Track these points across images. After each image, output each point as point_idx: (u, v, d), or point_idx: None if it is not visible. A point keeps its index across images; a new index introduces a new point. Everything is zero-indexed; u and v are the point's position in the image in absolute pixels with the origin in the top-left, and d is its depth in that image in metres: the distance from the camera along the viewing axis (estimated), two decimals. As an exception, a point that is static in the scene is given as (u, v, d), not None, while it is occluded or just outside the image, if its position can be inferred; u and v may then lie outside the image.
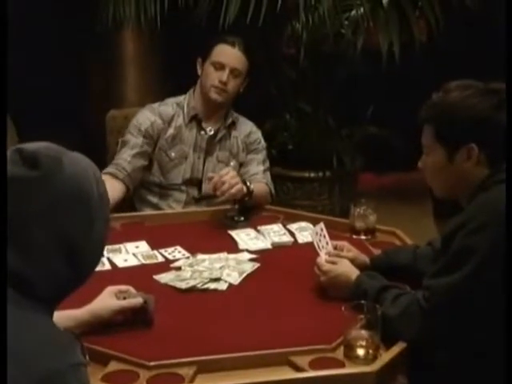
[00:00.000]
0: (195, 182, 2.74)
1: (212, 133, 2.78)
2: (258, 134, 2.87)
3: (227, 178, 2.44)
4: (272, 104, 3.89)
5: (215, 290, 1.97)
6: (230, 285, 2.00)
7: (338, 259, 1.95)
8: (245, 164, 2.81)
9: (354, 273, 1.89)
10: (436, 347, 1.67)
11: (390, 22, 3.54)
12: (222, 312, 1.88)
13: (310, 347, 1.67)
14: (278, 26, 3.94)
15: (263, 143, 2.87)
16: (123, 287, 1.82)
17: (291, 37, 3.96)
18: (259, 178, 2.73)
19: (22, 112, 3.66)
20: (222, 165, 2.77)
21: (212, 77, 2.70)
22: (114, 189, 2.59)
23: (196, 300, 1.94)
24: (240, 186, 2.48)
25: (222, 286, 1.99)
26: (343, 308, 1.68)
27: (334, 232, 2.27)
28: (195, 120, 2.78)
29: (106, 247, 2.23)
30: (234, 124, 2.83)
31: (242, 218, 2.50)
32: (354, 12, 3.67)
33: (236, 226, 2.45)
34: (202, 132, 2.78)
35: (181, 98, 2.83)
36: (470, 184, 1.73)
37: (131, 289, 1.82)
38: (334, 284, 1.90)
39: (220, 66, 2.69)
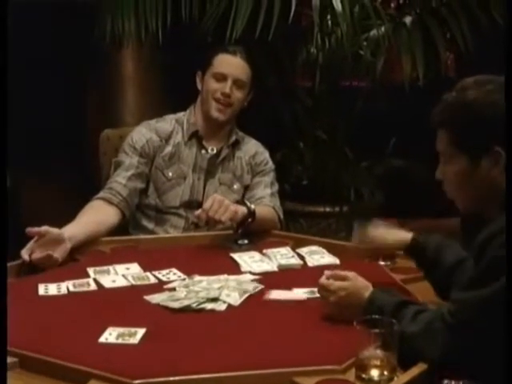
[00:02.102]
0: (195, 205, 2.71)
1: (214, 152, 2.77)
2: (264, 155, 2.86)
3: (215, 204, 2.41)
4: (284, 132, 3.89)
5: (212, 311, 1.92)
6: (230, 306, 1.95)
7: (348, 273, 1.88)
8: (250, 187, 2.79)
9: (367, 289, 1.83)
10: (460, 368, 1.60)
11: (413, 41, 3.55)
12: (218, 331, 1.82)
13: (317, 367, 1.61)
14: (291, 51, 3.98)
15: (271, 164, 2.85)
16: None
17: (306, 61, 3.99)
18: (266, 202, 2.71)
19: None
20: (225, 187, 2.76)
21: (213, 89, 2.70)
22: (108, 215, 2.58)
23: (190, 320, 1.89)
24: (234, 207, 2.45)
25: (221, 307, 1.94)
26: (355, 323, 1.62)
27: (349, 259, 2.24)
28: (195, 137, 2.78)
29: (93, 268, 2.22)
30: (237, 143, 2.82)
31: (246, 241, 2.47)
32: (373, 32, 3.70)
33: (239, 249, 2.42)
34: (203, 151, 2.77)
35: (180, 115, 2.83)
36: (500, 192, 1.68)
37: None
38: (345, 304, 1.83)
39: (222, 77, 2.69)
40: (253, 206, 2.53)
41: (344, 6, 3.29)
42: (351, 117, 3.88)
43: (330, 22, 3.84)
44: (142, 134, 2.75)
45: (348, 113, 3.90)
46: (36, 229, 2.22)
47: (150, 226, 2.75)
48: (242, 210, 2.49)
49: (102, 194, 2.64)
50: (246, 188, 2.79)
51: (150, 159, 2.73)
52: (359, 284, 1.85)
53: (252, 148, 2.85)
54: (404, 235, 2.09)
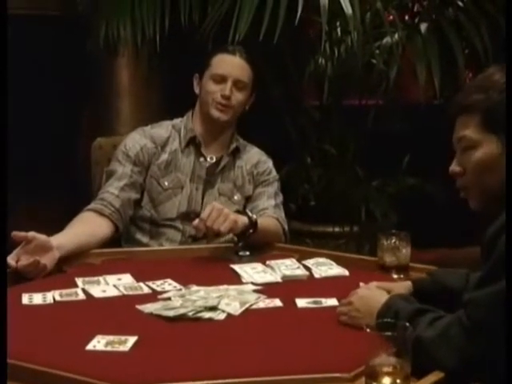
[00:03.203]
0: (192, 216, 2.69)
1: (214, 161, 2.77)
2: (268, 164, 2.86)
3: (214, 213, 2.40)
4: (290, 146, 3.89)
5: (210, 320, 1.90)
6: (229, 315, 1.93)
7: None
8: (252, 198, 2.78)
9: (385, 295, 1.85)
10: (480, 375, 1.57)
11: (428, 49, 3.56)
12: (218, 339, 1.80)
13: (324, 375, 1.59)
14: (298, 61, 4.00)
15: (274, 174, 2.85)
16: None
17: (314, 72, 4.01)
18: (269, 213, 2.70)
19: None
20: (224, 198, 2.75)
21: (212, 91, 2.70)
22: (99, 227, 2.57)
23: (186, 328, 1.87)
24: (234, 216, 2.44)
25: (220, 316, 1.92)
26: (366, 327, 1.60)
27: (359, 271, 2.23)
28: (193, 145, 2.78)
29: (82, 279, 2.21)
30: (238, 151, 2.82)
31: (248, 253, 2.46)
32: (386, 39, 3.72)
33: (240, 260, 2.40)
34: (202, 159, 2.77)
35: (177, 121, 2.84)
36: None
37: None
38: (362, 306, 1.84)
39: (221, 79, 2.70)
40: (254, 216, 2.52)
41: (355, 11, 3.29)
42: (362, 132, 3.89)
43: (339, 30, 3.86)
44: (136, 140, 2.75)
45: (358, 128, 3.91)
46: (22, 233, 2.22)
47: (145, 239, 2.73)
48: (243, 219, 2.47)
49: (92, 205, 2.63)
50: (248, 199, 2.78)
51: (144, 167, 2.72)
52: (377, 292, 1.89)
53: (254, 156, 2.85)
54: (404, 284, 2.07)
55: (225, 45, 2.82)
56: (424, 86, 3.66)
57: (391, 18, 3.75)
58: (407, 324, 1.60)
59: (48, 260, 2.26)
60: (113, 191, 2.65)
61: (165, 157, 2.74)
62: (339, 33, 3.92)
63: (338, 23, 3.85)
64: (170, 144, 2.76)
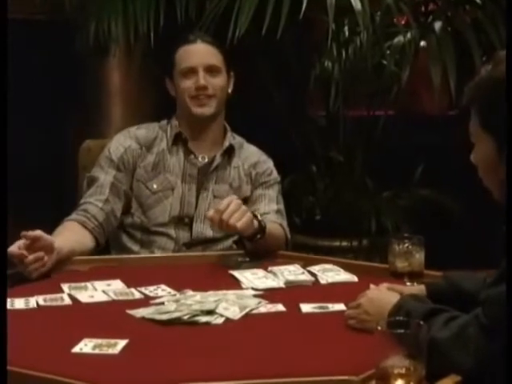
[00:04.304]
0: (186, 221, 2.70)
1: (206, 161, 2.76)
2: (268, 164, 2.86)
3: (232, 207, 2.39)
4: (294, 154, 3.90)
5: (207, 324, 1.90)
6: (228, 320, 1.93)
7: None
8: (251, 201, 2.77)
9: (396, 296, 1.85)
10: (496, 376, 1.57)
11: (443, 49, 3.57)
12: (216, 341, 1.81)
13: (331, 377, 1.59)
14: (303, 63, 4.02)
15: (276, 175, 2.85)
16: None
17: (319, 75, 4.03)
18: (272, 219, 2.69)
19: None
20: (220, 201, 2.67)
21: (187, 87, 2.69)
22: (84, 237, 2.57)
23: (180, 331, 1.87)
24: (250, 216, 2.43)
25: (217, 320, 1.92)
26: (378, 326, 1.60)
27: (369, 277, 2.23)
28: (181, 141, 2.77)
29: (68, 284, 2.22)
30: (233, 149, 2.81)
31: (248, 259, 2.46)
32: (397, 39, 3.73)
33: (239, 266, 2.40)
34: (192, 156, 2.75)
35: (164, 122, 2.84)
36: None
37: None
38: (372, 309, 1.85)
39: (190, 71, 2.69)
40: (264, 221, 2.51)
41: (364, 7, 3.31)
42: (371, 141, 3.90)
43: (347, 30, 3.88)
44: (120, 142, 2.75)
45: (367, 136, 3.92)
46: (31, 232, 2.26)
47: (135, 248, 2.73)
48: (255, 222, 2.47)
49: (74, 215, 2.62)
50: (245, 201, 2.73)
51: (129, 171, 2.72)
52: (388, 294, 1.90)
53: (253, 156, 2.85)
54: (417, 287, 2.09)
55: (181, 37, 2.78)
56: (439, 94, 3.66)
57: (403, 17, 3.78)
58: (420, 322, 1.60)
59: (49, 260, 2.30)
60: (96, 203, 2.63)
61: (151, 158, 2.73)
62: (347, 33, 3.93)
63: (345, 22, 3.86)
64: (157, 145, 2.76)
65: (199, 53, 2.70)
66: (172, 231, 2.71)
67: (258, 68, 3.82)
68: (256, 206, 2.74)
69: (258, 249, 2.54)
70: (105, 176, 2.69)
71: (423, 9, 3.90)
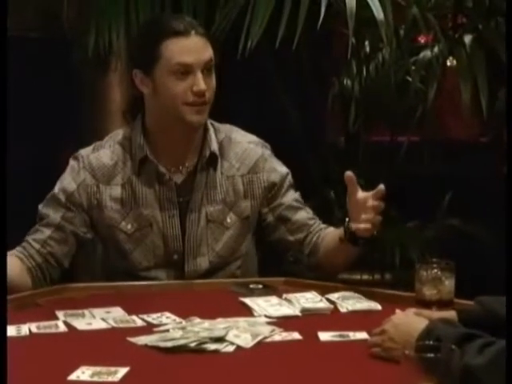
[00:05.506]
0: (175, 257, 2.57)
1: (184, 175, 2.57)
2: (270, 163, 2.67)
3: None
4: (310, 179, 3.90)
5: (216, 352, 1.89)
6: (239, 348, 1.92)
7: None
8: (274, 216, 2.64)
9: (424, 321, 1.84)
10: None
11: (474, 65, 3.58)
12: (226, 372, 1.80)
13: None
14: (321, 82, 4.04)
15: (282, 172, 2.68)
16: None
17: (338, 94, 4.05)
18: (322, 225, 2.66)
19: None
20: (215, 225, 2.58)
21: (180, 91, 2.45)
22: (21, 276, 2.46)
23: (187, 359, 1.86)
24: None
25: (227, 348, 1.91)
26: (406, 351, 1.58)
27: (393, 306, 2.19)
28: (149, 163, 2.55)
29: (63, 312, 2.22)
30: (215, 158, 2.57)
31: (260, 286, 2.45)
32: (423, 53, 3.75)
33: (251, 294, 2.39)
34: (166, 177, 2.54)
35: (127, 133, 2.61)
36: None
37: None
38: (398, 335, 1.84)
39: (185, 70, 2.45)
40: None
41: (387, 16, 3.32)
42: (394, 168, 3.90)
43: (367, 45, 3.90)
44: (73, 177, 2.56)
45: (389, 160, 3.93)
46: None
47: None
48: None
49: (16, 250, 2.50)
50: (246, 219, 2.62)
51: (83, 210, 2.54)
52: (415, 318, 1.89)
53: (248, 155, 2.63)
54: (447, 313, 2.08)
55: (167, 24, 2.51)
56: (468, 115, 3.67)
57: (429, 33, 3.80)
58: (453, 346, 1.59)
59: None
60: (34, 244, 2.50)
61: (116, 193, 2.54)
62: (367, 49, 3.95)
63: (366, 36, 3.88)
64: (119, 172, 2.55)
65: (197, 49, 2.46)
66: (161, 273, 2.58)
67: (273, 87, 3.84)
68: (290, 219, 2.63)
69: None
70: (51, 215, 2.52)
71: (451, 22, 3.91)
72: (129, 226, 2.54)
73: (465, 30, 3.76)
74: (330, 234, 2.58)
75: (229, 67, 2.90)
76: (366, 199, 2.38)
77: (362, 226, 2.38)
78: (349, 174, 2.40)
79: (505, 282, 1.57)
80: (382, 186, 2.38)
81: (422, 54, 3.76)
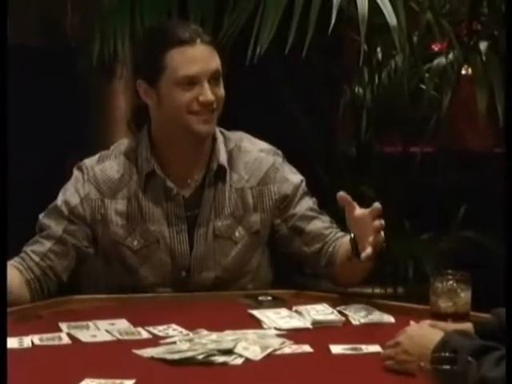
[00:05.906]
0: (183, 274, 2.55)
1: (193, 189, 2.55)
2: (282, 172, 2.63)
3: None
4: (320, 189, 3.89)
5: (224, 364, 1.90)
6: (248, 360, 1.92)
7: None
8: (291, 227, 2.60)
9: (439, 333, 1.84)
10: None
11: (490, 72, 3.58)
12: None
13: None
14: (331, 90, 4.04)
15: (296, 181, 2.64)
16: None
17: (349, 102, 4.05)
18: (339, 234, 2.60)
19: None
20: (223, 240, 2.56)
21: (186, 101, 2.43)
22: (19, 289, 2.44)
23: (194, 372, 1.87)
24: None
25: (236, 361, 1.92)
26: (422, 363, 1.58)
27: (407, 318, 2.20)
28: (155, 178, 2.54)
29: (66, 323, 2.22)
30: (222, 171, 2.55)
31: (270, 298, 2.45)
32: (438, 60, 3.75)
33: (260, 306, 2.39)
34: (174, 191, 2.52)
35: (133, 144, 2.60)
36: None
37: None
38: (412, 347, 1.84)
39: (191, 81, 2.43)
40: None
41: (400, 22, 3.31)
42: (407, 176, 3.89)
43: (379, 51, 3.90)
44: (77, 188, 2.53)
45: (403, 171, 3.92)
46: None
47: None
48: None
49: (14, 260, 2.48)
50: (255, 233, 2.60)
51: (86, 224, 2.52)
52: (430, 330, 1.89)
53: (258, 166, 2.60)
54: (463, 325, 2.08)
55: (171, 33, 2.50)
56: (484, 125, 3.67)
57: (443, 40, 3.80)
58: (469, 358, 1.59)
59: None
60: (33, 257, 2.47)
61: (121, 207, 2.52)
62: (380, 55, 3.95)
63: (378, 45, 3.88)
64: (125, 186, 2.53)
65: (203, 58, 2.44)
66: (169, 290, 2.56)
67: (282, 94, 3.85)
68: (305, 228, 2.59)
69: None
70: (53, 227, 2.51)
71: (465, 28, 3.91)
72: (135, 243, 2.53)
73: (480, 36, 3.75)
74: (342, 246, 2.54)
75: (237, 74, 2.92)
76: (364, 216, 2.36)
77: (364, 254, 2.34)
78: (341, 194, 2.39)
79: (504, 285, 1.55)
80: (377, 204, 2.33)
81: (436, 61, 3.76)
